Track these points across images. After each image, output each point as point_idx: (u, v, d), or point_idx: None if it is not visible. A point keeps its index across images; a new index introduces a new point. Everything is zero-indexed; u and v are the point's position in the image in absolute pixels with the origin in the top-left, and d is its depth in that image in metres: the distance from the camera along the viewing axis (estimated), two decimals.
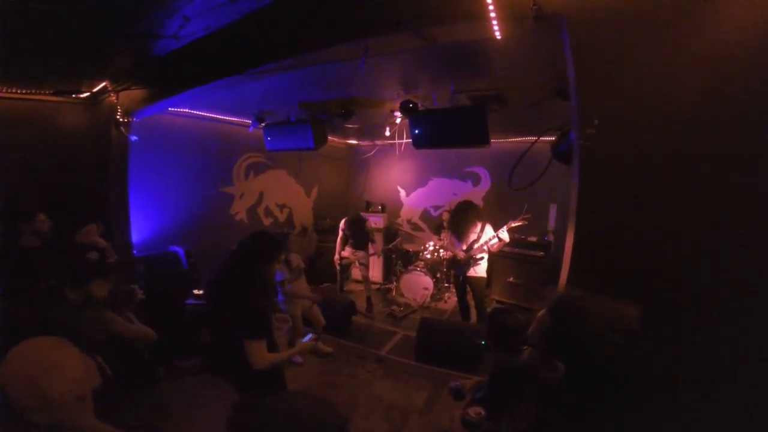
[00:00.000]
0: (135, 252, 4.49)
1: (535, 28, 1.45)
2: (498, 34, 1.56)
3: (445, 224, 5.98)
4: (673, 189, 1.29)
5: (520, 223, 4.22)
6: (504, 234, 4.15)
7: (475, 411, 1.65)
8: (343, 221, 5.56)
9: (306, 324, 4.19)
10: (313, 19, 2.00)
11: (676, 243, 1.29)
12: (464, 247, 4.28)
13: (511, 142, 6.03)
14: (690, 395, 1.28)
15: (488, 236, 4.21)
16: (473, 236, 4.26)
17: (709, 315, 1.25)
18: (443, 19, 1.62)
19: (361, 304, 5.52)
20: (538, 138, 2.15)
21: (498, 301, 5.76)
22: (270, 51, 2.18)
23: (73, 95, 3.70)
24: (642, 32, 1.30)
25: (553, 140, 2.08)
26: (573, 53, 1.36)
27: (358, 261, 5.61)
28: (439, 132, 3.63)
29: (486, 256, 4.34)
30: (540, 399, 1.15)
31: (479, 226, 4.28)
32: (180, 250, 4.80)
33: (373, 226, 5.80)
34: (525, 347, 1.14)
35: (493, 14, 1.46)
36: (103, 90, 3.66)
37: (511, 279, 5.70)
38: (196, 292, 4.20)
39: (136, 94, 3.52)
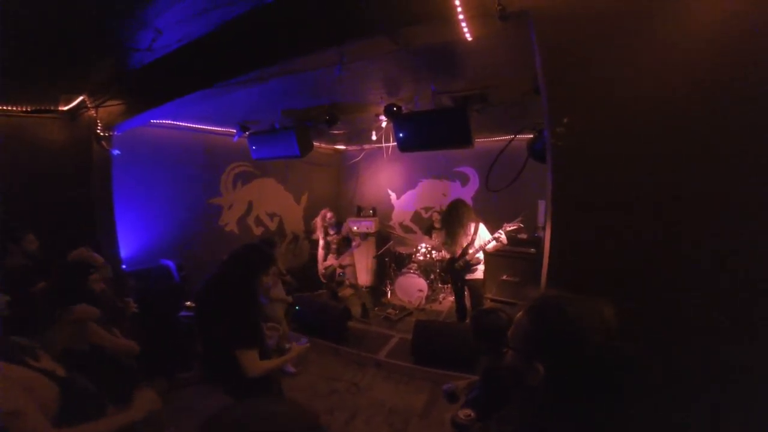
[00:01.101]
0: (125, 267, 4.46)
1: (503, 27, 1.46)
2: (468, 35, 1.57)
3: (436, 225, 5.99)
4: (647, 187, 1.28)
5: (515, 227, 4.19)
6: (503, 236, 4.10)
7: (464, 413, 1.64)
8: (320, 228, 5.52)
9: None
10: (284, 28, 2.00)
11: (651, 241, 1.28)
12: (459, 251, 4.25)
13: (497, 140, 6.03)
14: (678, 396, 1.27)
15: (483, 239, 4.18)
16: (468, 239, 4.24)
17: (682, 311, 1.25)
18: (413, 21, 1.62)
19: (355, 310, 5.50)
20: (514, 137, 2.16)
21: (493, 300, 5.76)
22: (243, 61, 2.17)
23: (50, 112, 3.64)
24: (609, 28, 1.30)
25: (529, 138, 2.09)
26: (540, 51, 1.36)
27: (341, 265, 5.58)
28: (423, 134, 3.63)
29: (482, 258, 4.31)
30: (525, 401, 1.15)
31: (472, 227, 4.25)
32: (171, 264, 4.77)
33: (349, 228, 5.75)
34: (505, 349, 1.13)
35: (461, 15, 1.47)
36: (82, 104, 3.63)
37: (504, 277, 5.71)
38: (188, 304, 4.17)
39: (115, 107, 3.49)
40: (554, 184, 1.45)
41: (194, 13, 1.96)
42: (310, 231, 7.13)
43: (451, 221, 4.32)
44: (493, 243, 4.13)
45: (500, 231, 4.11)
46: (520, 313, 1.07)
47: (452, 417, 1.66)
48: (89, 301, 2.26)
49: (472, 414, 1.62)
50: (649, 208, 1.29)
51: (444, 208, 4.96)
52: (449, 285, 5.95)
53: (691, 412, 1.28)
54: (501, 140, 6.01)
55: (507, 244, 4.25)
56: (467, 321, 4.60)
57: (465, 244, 4.23)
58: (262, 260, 2.21)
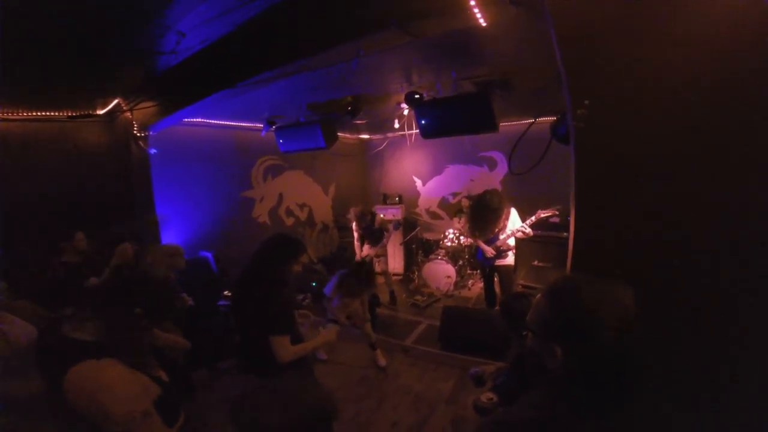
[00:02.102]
0: None
1: (518, 12, 1.42)
2: (482, 21, 1.54)
3: (464, 209, 5.93)
4: (672, 176, 1.22)
5: (549, 214, 4.05)
6: (528, 229, 4.01)
7: (486, 396, 1.66)
8: (354, 222, 5.64)
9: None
10: (301, 25, 2.02)
11: (676, 233, 1.23)
12: (490, 237, 4.17)
13: (525, 124, 5.85)
14: (695, 390, 1.23)
15: (515, 225, 4.08)
16: (498, 226, 4.13)
17: (710, 309, 1.20)
18: (426, 12, 1.60)
19: (384, 297, 5.58)
20: (534, 120, 2.11)
21: (524, 286, 5.67)
22: (263, 60, 2.22)
23: (90, 116, 3.85)
24: (630, 8, 1.22)
25: (553, 121, 2.03)
26: (557, 34, 1.31)
27: (376, 255, 5.65)
28: (445, 121, 3.59)
29: (513, 244, 4.23)
30: (544, 385, 1.15)
31: (504, 215, 4.14)
32: (209, 255, 4.99)
33: (382, 217, 5.78)
34: (525, 332, 1.13)
35: (473, 2, 1.44)
36: (117, 107, 3.83)
37: (536, 262, 5.59)
38: (226, 293, 4.34)
39: (149, 109, 3.65)
40: (577, 167, 1.41)
41: (215, 14, 2.03)
42: (339, 220, 7.29)
43: (479, 215, 4.19)
44: (520, 233, 4.04)
45: (532, 218, 4.01)
46: (539, 296, 1.06)
47: (474, 401, 1.68)
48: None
49: (495, 398, 1.64)
50: (673, 196, 1.22)
51: (472, 194, 4.85)
52: (478, 271, 5.92)
53: (693, 411, 1.24)
54: (529, 123, 5.81)
55: (531, 235, 4.11)
56: (497, 308, 4.57)
57: (497, 230, 4.15)
58: (291, 249, 2.25)
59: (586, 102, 1.31)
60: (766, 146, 1.07)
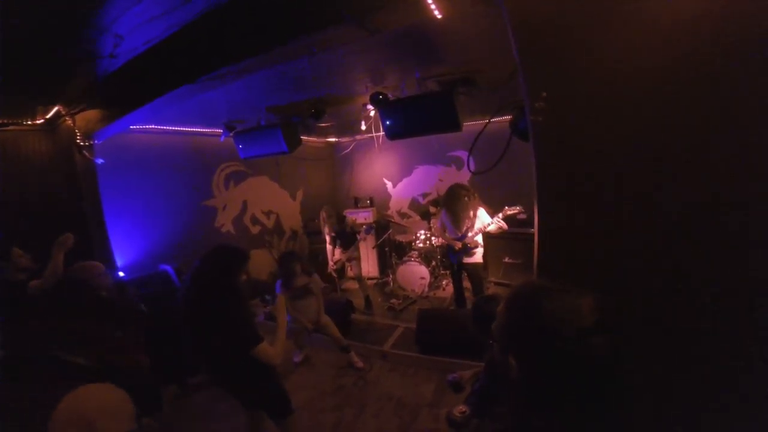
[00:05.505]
0: (124, 275, 4.44)
1: (472, 2, 1.36)
2: (437, 13, 1.47)
3: (432, 210, 5.93)
4: (637, 169, 1.17)
5: (515, 212, 4.11)
6: (502, 222, 4.04)
7: (459, 410, 1.61)
8: (326, 227, 5.51)
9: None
10: (247, 23, 1.89)
11: (641, 226, 1.18)
12: (459, 234, 4.19)
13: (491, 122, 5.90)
14: (666, 397, 1.19)
15: (483, 222, 4.11)
16: (469, 221, 4.16)
17: (674, 313, 1.16)
18: (378, 5, 1.52)
19: (359, 302, 5.47)
20: (491, 119, 2.07)
21: (496, 283, 5.72)
22: (210, 59, 2.08)
23: (28, 125, 3.58)
24: None
25: (511, 117, 2.00)
26: (511, 24, 1.26)
27: (348, 259, 5.53)
28: (410, 121, 3.54)
29: (481, 242, 4.25)
30: (510, 396, 1.10)
31: (472, 211, 4.18)
32: (170, 269, 4.74)
33: (354, 219, 5.72)
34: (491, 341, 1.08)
35: None
36: (58, 115, 3.58)
37: (507, 259, 5.65)
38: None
39: (91, 115, 3.44)
40: (538, 164, 1.35)
41: (153, 16, 1.87)
42: (308, 226, 7.11)
43: (451, 204, 4.22)
44: (494, 226, 4.04)
45: (499, 215, 4.04)
46: (502, 304, 1.02)
47: (447, 414, 1.62)
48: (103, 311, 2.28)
49: (467, 411, 1.59)
50: (638, 190, 1.17)
51: (441, 193, 4.82)
52: (449, 271, 5.91)
53: (671, 416, 1.20)
54: (494, 122, 5.87)
55: (507, 230, 4.16)
56: (468, 307, 4.55)
57: (465, 228, 4.16)
58: (238, 259, 2.24)
59: (544, 94, 1.25)
60: (739, 138, 1.03)
